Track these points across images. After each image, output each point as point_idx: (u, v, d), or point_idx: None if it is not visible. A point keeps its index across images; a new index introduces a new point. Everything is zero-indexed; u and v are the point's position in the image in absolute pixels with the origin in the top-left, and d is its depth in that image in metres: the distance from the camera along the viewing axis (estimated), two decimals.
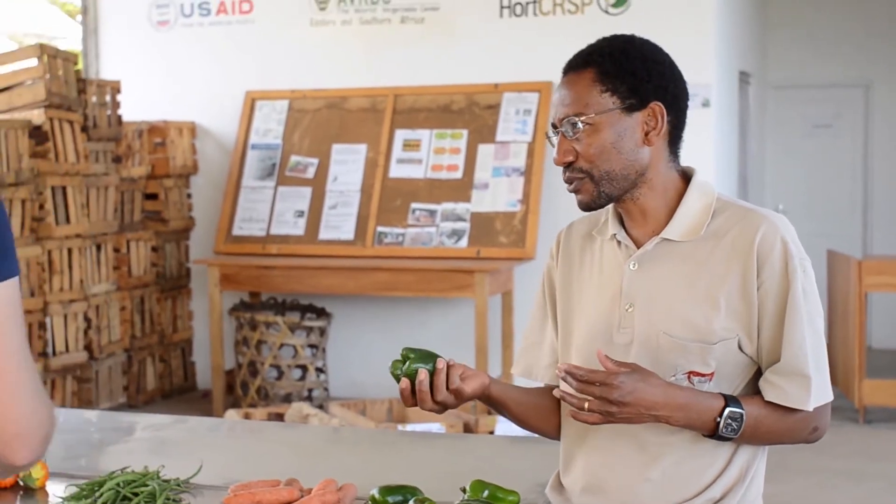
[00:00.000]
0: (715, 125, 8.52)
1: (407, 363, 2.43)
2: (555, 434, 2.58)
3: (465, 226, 8.30)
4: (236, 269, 8.45)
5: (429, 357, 2.43)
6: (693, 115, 8.48)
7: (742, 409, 2.28)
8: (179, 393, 9.15)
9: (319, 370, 8.55)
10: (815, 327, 2.34)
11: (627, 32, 2.49)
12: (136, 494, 2.59)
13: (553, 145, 2.40)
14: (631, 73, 2.35)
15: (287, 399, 8.25)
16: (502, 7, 8.73)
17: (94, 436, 3.39)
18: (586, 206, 2.41)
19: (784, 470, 7.21)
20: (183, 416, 3.70)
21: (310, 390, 8.48)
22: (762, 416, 2.31)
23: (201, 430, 3.62)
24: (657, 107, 2.36)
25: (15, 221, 7.54)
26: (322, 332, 8.56)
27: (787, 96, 11.33)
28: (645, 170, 2.38)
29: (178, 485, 2.70)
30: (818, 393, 2.32)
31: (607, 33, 7.89)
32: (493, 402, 2.50)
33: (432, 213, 8.42)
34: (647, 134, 2.36)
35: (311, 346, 8.52)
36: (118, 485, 2.61)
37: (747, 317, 2.33)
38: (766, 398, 2.33)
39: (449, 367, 2.38)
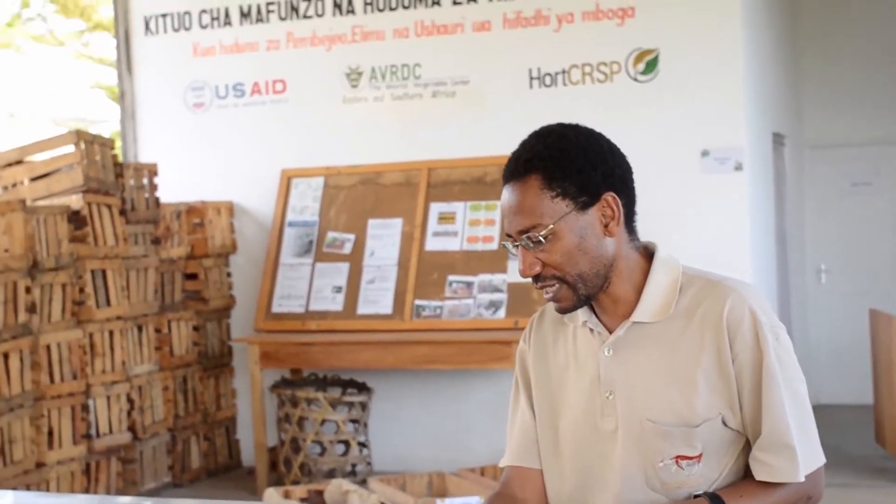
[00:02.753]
0: (749, 188, 8.52)
1: None
2: None
3: (503, 297, 8.32)
4: (276, 346, 8.51)
5: None
6: (726, 178, 8.56)
7: None
8: (225, 471, 9.19)
9: (362, 445, 8.57)
10: (794, 393, 2.33)
11: (555, 123, 2.44)
12: None
13: (513, 255, 2.37)
14: (576, 170, 2.32)
15: (330, 474, 8.27)
16: (532, 78, 8.81)
17: None
18: (567, 311, 2.40)
19: None
20: (218, 500, 3.72)
21: (353, 465, 8.49)
22: None
23: None
24: (610, 197, 2.34)
25: (55, 306, 7.64)
26: (363, 406, 8.58)
27: (824, 156, 11.31)
28: (612, 260, 2.36)
29: None
30: (806, 461, 2.32)
31: (637, 101, 7.95)
32: None
33: (469, 284, 8.45)
34: (606, 226, 2.35)
35: (353, 420, 8.54)
36: None
37: (727, 392, 2.33)
38: (757, 478, 2.32)
39: None
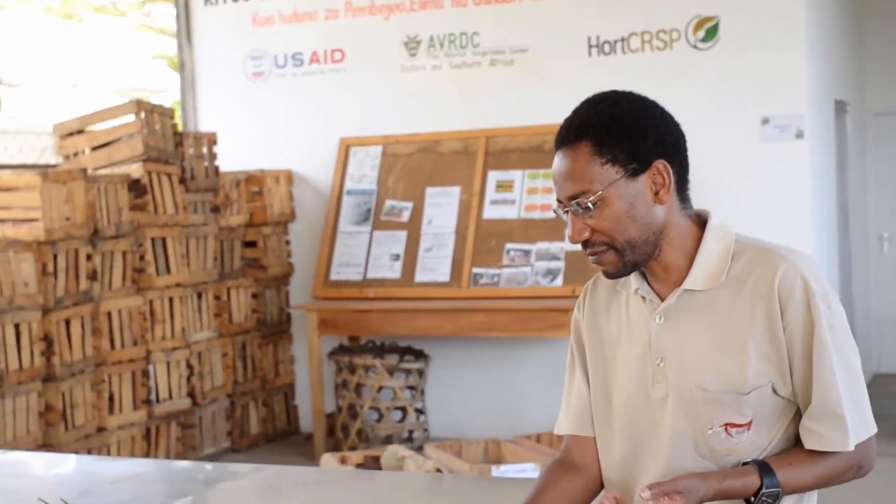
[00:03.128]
0: (810, 156, 8.43)
1: None
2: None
3: (560, 265, 8.31)
4: (334, 313, 8.56)
5: None
6: (787, 146, 8.46)
7: (777, 486, 2.27)
8: (283, 436, 9.27)
9: (419, 411, 8.61)
10: (846, 362, 2.31)
11: (616, 88, 2.43)
12: None
13: (564, 220, 2.37)
14: (627, 137, 2.31)
15: (388, 441, 8.32)
16: (590, 46, 8.76)
17: (165, 487, 3.46)
18: (613, 277, 2.40)
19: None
20: (262, 465, 3.75)
21: (410, 432, 8.53)
22: (801, 475, 2.30)
23: (269, 480, 3.66)
24: (661, 164, 2.33)
25: (116, 273, 7.73)
26: (420, 373, 8.62)
27: (888, 122, 11.16)
28: (662, 228, 2.35)
29: None
30: (857, 430, 2.30)
31: (697, 69, 7.88)
32: None
33: (527, 252, 8.44)
34: (656, 193, 2.33)
35: (410, 387, 8.58)
36: None
37: (778, 360, 2.31)
38: (806, 446, 2.31)
39: None
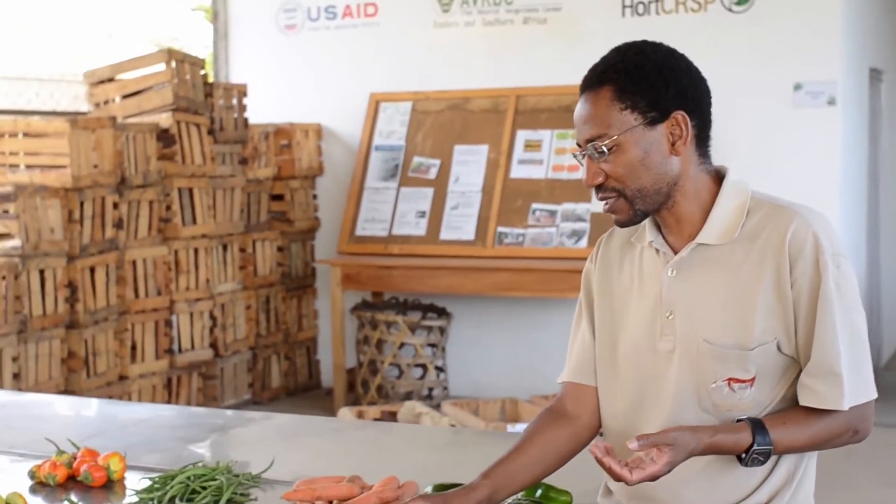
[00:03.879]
0: (841, 124, 8.36)
1: None
2: (571, 456, 2.55)
3: (585, 226, 8.29)
4: (358, 268, 8.57)
5: None
6: (818, 113, 8.39)
7: (769, 444, 2.26)
8: (304, 391, 9.31)
9: (439, 369, 8.62)
10: (850, 323, 2.30)
11: (646, 39, 2.44)
12: (204, 488, 2.66)
13: (581, 165, 2.39)
14: (648, 86, 2.32)
15: (407, 397, 8.34)
16: (624, 7, 8.69)
17: (177, 431, 3.48)
18: (623, 225, 2.41)
19: None
20: (272, 413, 3.77)
21: (430, 389, 8.55)
22: (795, 435, 2.29)
23: (284, 428, 3.68)
24: (680, 115, 2.33)
25: (142, 222, 7.76)
26: (442, 331, 8.63)
27: None
28: (676, 179, 2.36)
29: (248, 479, 2.77)
30: (854, 391, 2.29)
31: (731, 32, 7.84)
32: (508, 492, 2.44)
33: (552, 213, 8.42)
34: (673, 144, 2.34)
35: (431, 345, 8.60)
36: (188, 478, 2.69)
37: (784, 317, 2.31)
38: (801, 403, 2.31)
39: None
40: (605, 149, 2.32)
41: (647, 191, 2.34)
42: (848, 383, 2.28)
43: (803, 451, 2.36)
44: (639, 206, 2.35)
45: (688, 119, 2.34)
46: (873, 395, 2.33)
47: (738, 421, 2.31)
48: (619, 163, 2.32)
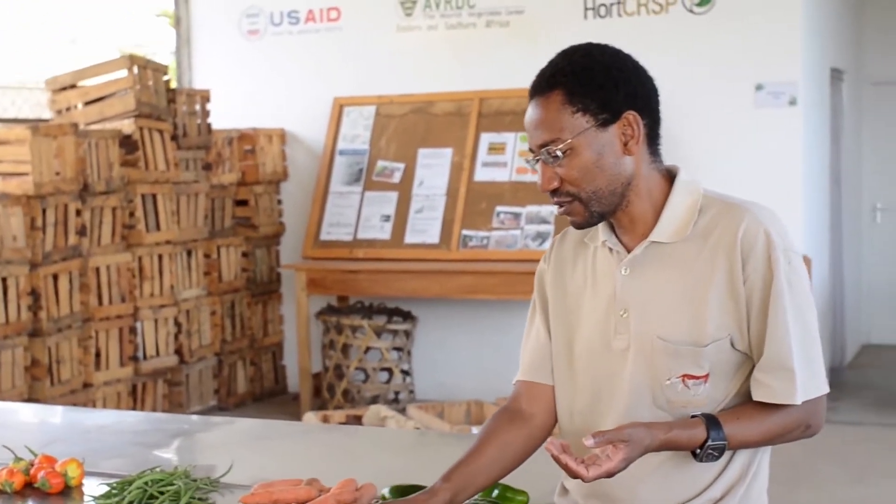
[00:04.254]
0: (803, 123, 8.41)
1: None
2: (528, 455, 2.55)
3: (550, 228, 8.31)
4: (323, 273, 8.57)
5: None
6: (780, 113, 8.44)
7: (723, 439, 2.28)
8: (270, 396, 9.29)
9: (405, 373, 8.63)
10: (802, 319, 2.32)
11: (593, 41, 2.46)
12: (162, 493, 2.65)
13: (535, 170, 2.39)
14: (598, 87, 2.33)
15: (373, 401, 8.33)
16: (586, 9, 8.72)
17: (140, 437, 3.47)
18: (580, 227, 2.42)
19: (873, 473, 7.10)
20: (229, 415, 3.77)
21: (396, 393, 8.55)
22: (748, 430, 2.31)
23: (248, 432, 3.68)
24: (631, 115, 2.35)
25: (105, 229, 7.73)
26: (408, 335, 8.63)
27: (885, 92, 11.12)
28: (630, 179, 2.37)
29: (206, 484, 2.76)
30: (806, 386, 2.31)
31: (692, 33, 7.89)
32: (467, 494, 2.44)
33: (517, 216, 8.44)
34: (626, 144, 2.35)
35: (397, 348, 8.60)
36: (146, 483, 2.68)
37: (737, 313, 2.33)
38: (754, 398, 2.32)
39: None
40: (559, 153, 2.33)
41: (603, 192, 2.35)
42: (800, 378, 2.29)
43: (757, 446, 2.38)
44: (595, 207, 2.36)
45: (639, 118, 2.35)
46: (825, 389, 2.35)
47: (693, 417, 2.32)
48: (573, 166, 2.33)
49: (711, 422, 2.29)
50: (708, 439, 2.27)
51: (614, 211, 2.39)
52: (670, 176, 2.43)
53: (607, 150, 2.33)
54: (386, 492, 2.54)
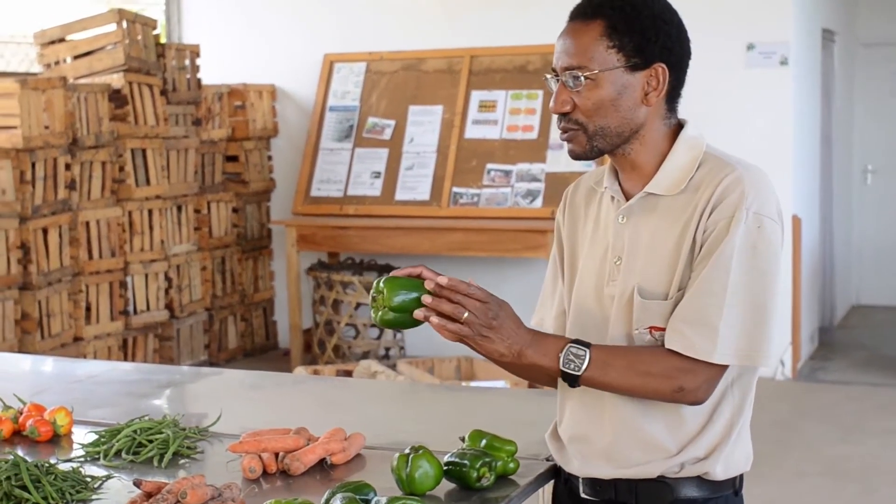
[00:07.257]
0: (794, 84, 8.41)
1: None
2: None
3: (540, 186, 8.31)
4: (313, 229, 8.57)
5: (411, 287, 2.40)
6: (770, 73, 8.40)
7: (587, 348, 2.28)
8: (261, 352, 9.32)
9: None
10: (754, 286, 2.28)
11: None
12: (151, 441, 2.67)
13: (551, 90, 2.39)
14: (640, 31, 2.32)
15: (364, 357, 8.35)
16: None
17: (129, 387, 3.48)
18: (576, 157, 2.41)
19: (860, 432, 7.15)
20: (220, 368, 3.78)
21: (386, 349, 8.57)
22: (615, 359, 2.29)
23: (237, 383, 3.70)
24: (660, 68, 2.35)
25: (95, 183, 7.72)
26: None
27: (877, 54, 11.11)
28: (639, 128, 2.37)
29: (195, 433, 2.78)
30: (729, 349, 2.27)
31: None
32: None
33: (507, 173, 8.44)
34: (646, 94, 2.35)
35: None
36: (135, 432, 2.70)
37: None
38: (668, 345, 2.29)
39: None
40: (581, 78, 2.32)
41: (610, 131, 2.35)
42: (723, 340, 2.26)
43: (617, 385, 2.32)
44: (597, 143, 2.36)
45: (667, 73, 2.35)
46: (757, 362, 2.31)
47: (572, 341, 2.33)
48: (590, 97, 2.33)
49: (582, 345, 2.30)
50: (571, 342, 2.29)
51: (613, 151, 2.39)
52: (680, 130, 2.44)
53: (628, 93, 2.33)
54: (383, 501, 2.39)
